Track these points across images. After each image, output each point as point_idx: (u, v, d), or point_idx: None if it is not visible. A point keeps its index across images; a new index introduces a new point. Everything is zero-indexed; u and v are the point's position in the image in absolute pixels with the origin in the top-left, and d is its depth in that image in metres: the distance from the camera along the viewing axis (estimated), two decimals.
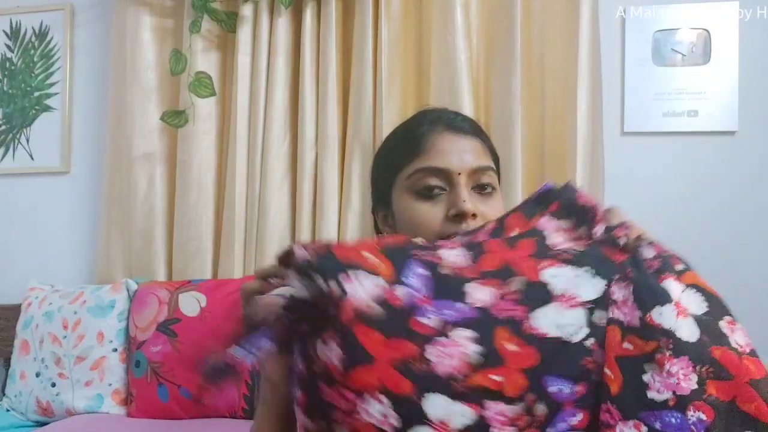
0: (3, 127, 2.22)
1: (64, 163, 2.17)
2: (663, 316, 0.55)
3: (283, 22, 1.91)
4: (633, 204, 1.78)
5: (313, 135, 1.89)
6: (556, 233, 0.63)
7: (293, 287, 0.56)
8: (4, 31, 2.23)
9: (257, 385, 1.56)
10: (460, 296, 0.57)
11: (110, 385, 1.75)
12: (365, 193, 1.80)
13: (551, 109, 1.79)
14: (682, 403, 0.52)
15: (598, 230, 0.62)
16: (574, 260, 0.59)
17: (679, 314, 0.55)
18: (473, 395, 0.53)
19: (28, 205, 2.19)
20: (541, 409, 0.53)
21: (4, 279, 2.14)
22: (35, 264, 2.15)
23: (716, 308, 0.56)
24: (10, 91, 2.21)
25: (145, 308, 1.75)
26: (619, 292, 0.57)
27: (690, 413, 0.51)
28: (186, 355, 1.59)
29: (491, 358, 0.54)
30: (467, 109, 1.74)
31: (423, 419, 0.51)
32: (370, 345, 0.53)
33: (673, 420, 0.52)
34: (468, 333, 0.55)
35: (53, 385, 1.75)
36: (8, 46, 2.22)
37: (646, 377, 0.53)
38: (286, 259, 0.59)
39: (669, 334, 0.54)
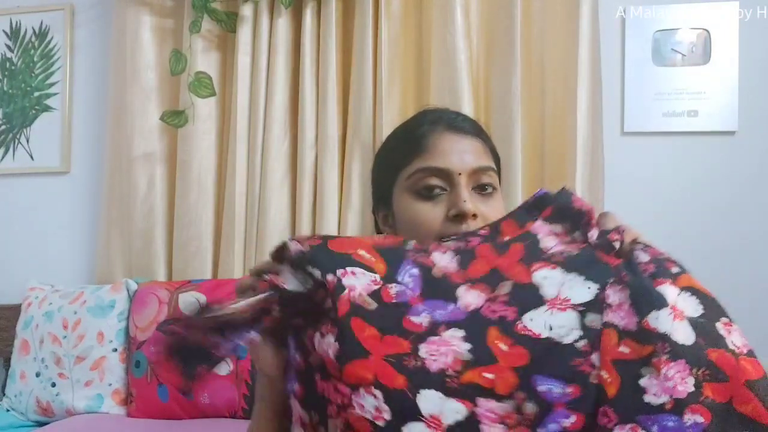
0: (3, 127, 2.22)
1: (64, 163, 2.17)
2: (659, 321, 0.55)
3: (283, 22, 1.91)
4: (633, 204, 1.80)
5: (313, 135, 1.89)
6: (548, 237, 0.63)
7: (287, 282, 0.57)
8: (4, 31, 2.23)
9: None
10: (452, 298, 0.58)
11: (110, 385, 1.75)
12: (365, 193, 1.80)
13: (551, 109, 1.79)
14: (679, 406, 0.52)
15: (593, 234, 0.62)
16: (566, 263, 0.60)
17: (675, 318, 0.55)
18: (466, 392, 0.53)
19: (28, 205, 2.19)
20: (530, 407, 0.54)
21: (4, 279, 2.14)
22: (35, 264, 2.15)
23: (712, 310, 0.56)
24: (10, 91, 2.21)
25: (145, 308, 1.75)
26: (614, 296, 0.58)
27: (687, 416, 0.52)
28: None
29: (484, 357, 0.55)
30: (467, 109, 1.75)
31: (416, 414, 0.52)
32: (366, 339, 0.55)
33: (670, 423, 0.52)
34: (460, 333, 0.56)
35: (53, 385, 1.75)
36: (8, 46, 2.23)
37: (642, 381, 0.54)
38: (280, 254, 0.60)
39: (665, 338, 0.54)
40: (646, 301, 0.56)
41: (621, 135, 1.87)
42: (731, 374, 0.53)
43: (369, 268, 0.58)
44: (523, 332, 0.56)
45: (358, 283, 0.57)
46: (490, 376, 0.54)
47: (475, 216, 0.69)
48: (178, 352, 0.56)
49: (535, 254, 0.61)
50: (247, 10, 1.93)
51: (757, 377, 0.53)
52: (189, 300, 1.72)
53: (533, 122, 1.80)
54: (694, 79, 1.84)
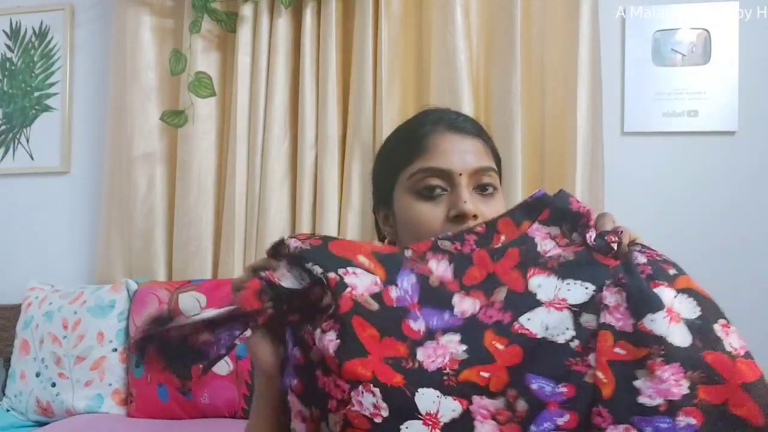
0: (3, 127, 2.22)
1: (64, 163, 2.17)
2: (655, 323, 0.55)
3: (283, 22, 1.91)
4: (633, 204, 1.80)
5: (313, 135, 1.89)
6: (546, 240, 0.64)
7: (283, 278, 0.58)
8: (4, 31, 2.23)
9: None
10: (448, 307, 0.59)
11: (110, 385, 1.75)
12: (365, 193, 1.80)
13: (551, 109, 1.79)
14: (673, 408, 0.53)
15: (591, 235, 0.62)
16: (561, 270, 0.61)
17: (672, 320, 0.55)
18: (463, 390, 0.55)
19: (28, 205, 2.19)
20: (521, 405, 0.55)
21: (4, 279, 2.14)
22: (35, 264, 2.15)
23: (709, 312, 0.57)
24: (10, 91, 2.21)
25: (145, 308, 1.75)
26: (611, 297, 0.58)
27: (680, 418, 0.52)
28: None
29: (481, 356, 0.56)
30: (467, 109, 1.75)
31: (414, 412, 0.53)
32: (366, 339, 0.56)
33: (663, 425, 0.52)
34: (457, 337, 0.57)
35: (53, 385, 1.75)
36: (8, 46, 2.23)
37: (637, 383, 0.54)
38: (277, 250, 0.60)
39: (661, 340, 0.55)
40: (642, 303, 0.56)
41: (621, 135, 1.87)
42: (727, 376, 0.53)
43: (369, 271, 0.59)
44: (519, 332, 0.57)
45: (360, 282, 0.58)
46: (486, 374, 0.55)
47: (475, 217, 0.69)
48: (167, 353, 0.57)
49: (531, 259, 0.62)
50: (247, 10, 1.92)
51: (753, 379, 0.53)
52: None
53: (533, 122, 1.80)
54: (694, 79, 1.84)
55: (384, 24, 1.83)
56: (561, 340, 0.57)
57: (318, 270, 0.57)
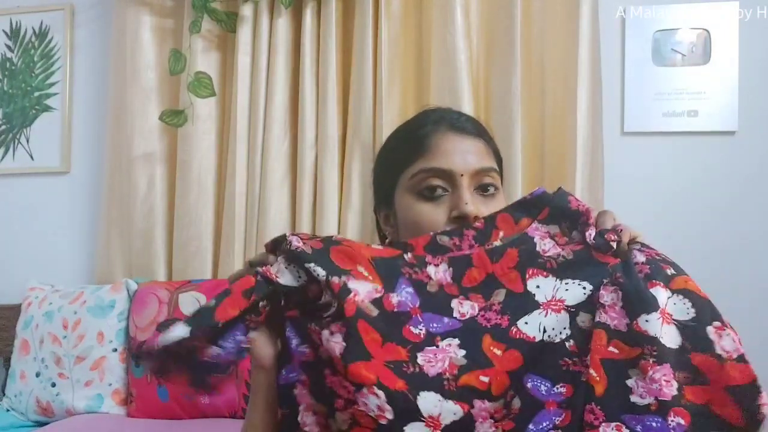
0: (3, 127, 2.22)
1: (64, 163, 2.17)
2: (649, 324, 0.56)
3: (283, 22, 1.91)
4: (633, 204, 1.80)
5: (313, 135, 1.89)
6: (545, 240, 0.64)
7: (280, 275, 0.58)
8: (4, 31, 2.23)
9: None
10: (447, 311, 0.60)
11: (110, 385, 1.75)
12: (365, 193, 1.80)
13: (551, 109, 1.79)
14: (663, 408, 0.53)
15: (591, 233, 0.63)
16: (560, 270, 0.61)
17: (664, 322, 0.56)
18: (463, 394, 0.55)
19: (28, 205, 2.19)
20: (516, 403, 0.56)
21: (4, 279, 2.13)
22: (35, 264, 2.15)
23: (704, 314, 0.57)
24: (10, 91, 2.21)
25: (145, 308, 1.75)
26: (607, 296, 0.58)
27: (671, 418, 0.53)
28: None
29: (480, 361, 0.57)
30: (467, 109, 1.74)
31: (416, 415, 0.54)
32: (369, 343, 0.56)
33: (654, 424, 0.53)
34: (456, 341, 0.58)
35: (53, 385, 1.75)
36: (8, 46, 2.22)
37: (630, 382, 0.55)
38: (275, 246, 0.61)
39: (654, 341, 0.55)
40: (637, 303, 0.57)
41: (621, 135, 1.87)
42: (713, 378, 0.54)
43: (368, 280, 0.60)
44: (517, 336, 0.58)
45: (361, 288, 0.58)
46: (485, 379, 0.56)
47: (476, 218, 0.69)
48: (188, 371, 0.59)
49: (530, 259, 0.62)
50: (247, 10, 1.92)
51: (742, 383, 0.53)
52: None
53: (533, 122, 1.80)
54: (694, 79, 1.84)
55: (384, 24, 1.83)
56: (558, 340, 0.58)
57: (321, 273, 0.57)
